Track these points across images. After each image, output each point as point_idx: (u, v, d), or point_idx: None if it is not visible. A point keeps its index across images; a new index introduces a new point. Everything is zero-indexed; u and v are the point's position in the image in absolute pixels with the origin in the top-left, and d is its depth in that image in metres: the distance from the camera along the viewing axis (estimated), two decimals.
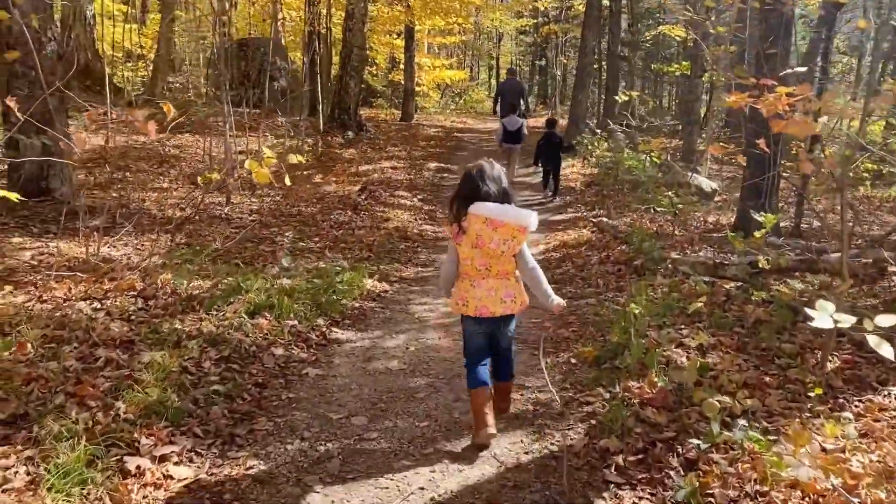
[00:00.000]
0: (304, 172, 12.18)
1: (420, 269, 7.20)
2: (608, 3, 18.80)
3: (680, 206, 8.77)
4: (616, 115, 20.12)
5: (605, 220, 7.93)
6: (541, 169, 11.18)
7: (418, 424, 3.52)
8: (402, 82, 24.30)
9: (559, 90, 25.21)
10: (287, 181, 4.43)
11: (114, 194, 8.13)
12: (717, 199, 13.23)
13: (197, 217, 7.35)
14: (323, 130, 15.56)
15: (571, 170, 13.36)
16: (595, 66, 19.13)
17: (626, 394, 3.54)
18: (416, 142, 17.63)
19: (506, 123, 11.45)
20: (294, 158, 4.51)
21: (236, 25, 20.78)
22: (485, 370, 3.25)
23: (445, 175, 13.53)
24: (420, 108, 31.44)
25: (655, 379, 3.56)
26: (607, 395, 3.66)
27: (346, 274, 5.95)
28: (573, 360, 4.37)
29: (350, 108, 15.91)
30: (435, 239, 8.50)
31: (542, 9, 26.18)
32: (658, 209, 8.53)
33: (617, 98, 10.57)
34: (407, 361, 4.44)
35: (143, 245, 6.52)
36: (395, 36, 25.40)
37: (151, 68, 15.18)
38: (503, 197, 3.11)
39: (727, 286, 5.16)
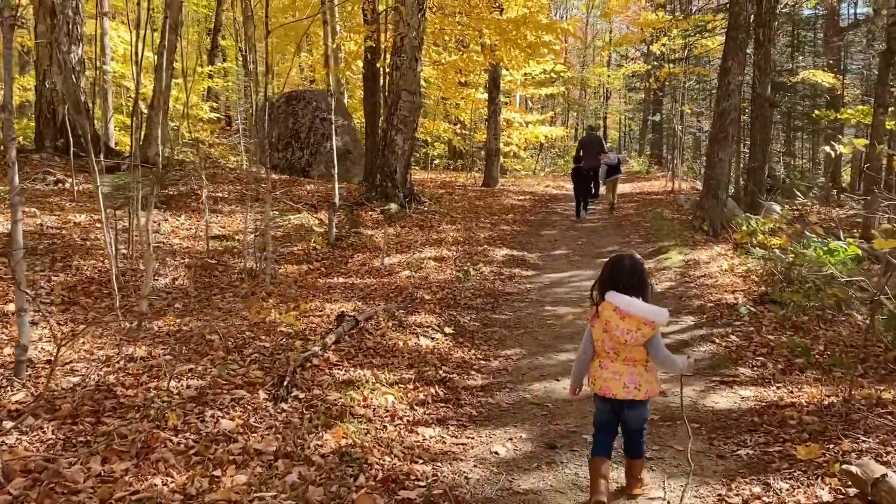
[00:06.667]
0: (298, 269, 8.03)
1: None
2: (753, 31, 13.93)
3: None
4: (763, 183, 15.03)
5: (873, 464, 3.03)
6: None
7: None
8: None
9: (679, 149, 20.21)
10: None
11: None
12: None
13: None
14: (357, 202, 11.51)
15: (718, 266, 8.46)
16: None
17: None
18: (488, 216, 13.24)
19: (605, 161, 14.20)
20: None
21: (284, 78, 17.59)
22: (605, 444, 3.35)
23: (516, 271, 8.90)
24: (508, 171, 27.26)
25: None
26: None
27: None
28: None
29: (396, 172, 11.79)
30: None
31: (659, 53, 21.55)
32: None
33: (832, 151, 5.67)
34: None
35: None
36: (483, 89, 21.58)
37: (144, 126, 11.78)
38: (636, 290, 3.19)
39: None
